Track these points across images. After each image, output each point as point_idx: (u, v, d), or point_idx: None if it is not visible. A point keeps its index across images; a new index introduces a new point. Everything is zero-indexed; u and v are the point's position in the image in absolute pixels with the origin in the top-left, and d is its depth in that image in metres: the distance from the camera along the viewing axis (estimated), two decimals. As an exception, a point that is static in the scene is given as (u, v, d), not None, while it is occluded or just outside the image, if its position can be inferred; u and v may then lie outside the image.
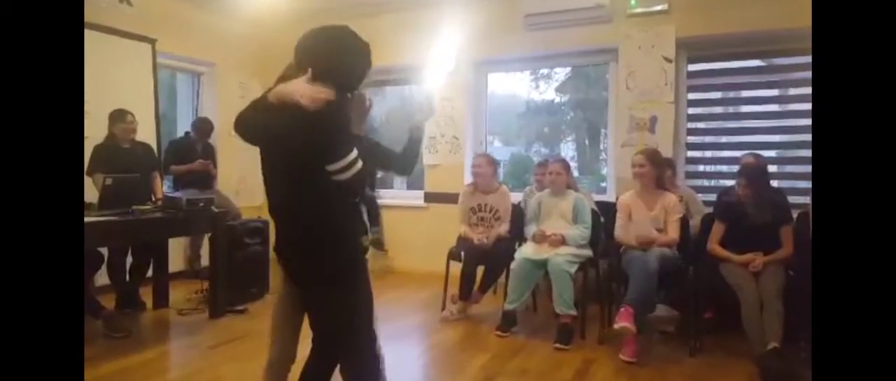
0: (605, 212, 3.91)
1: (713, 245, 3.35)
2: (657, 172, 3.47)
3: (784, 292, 2.99)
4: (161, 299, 4.17)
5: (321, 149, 1.59)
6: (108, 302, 3.86)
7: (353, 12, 5.38)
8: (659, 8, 4.49)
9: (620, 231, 3.51)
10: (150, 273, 4.19)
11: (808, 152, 4.04)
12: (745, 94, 4.80)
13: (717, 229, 3.37)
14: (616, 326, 3.07)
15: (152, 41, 4.81)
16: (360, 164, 1.62)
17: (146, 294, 4.16)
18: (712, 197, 4.00)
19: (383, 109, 7.35)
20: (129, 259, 4.08)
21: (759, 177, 3.30)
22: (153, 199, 4.02)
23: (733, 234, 3.30)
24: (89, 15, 4.22)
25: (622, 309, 3.06)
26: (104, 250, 3.86)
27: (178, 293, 4.35)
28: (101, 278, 3.99)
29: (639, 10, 4.56)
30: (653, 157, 3.49)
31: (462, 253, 3.98)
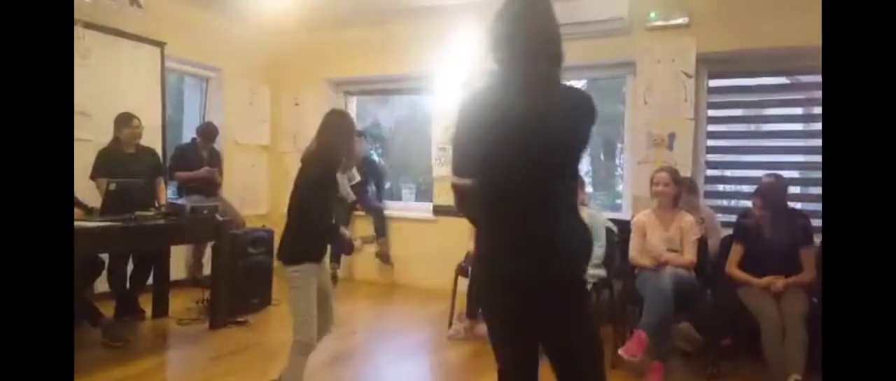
0: (621, 230, 3.77)
1: (732, 268, 3.25)
2: (677, 191, 3.37)
3: (808, 319, 2.85)
4: (161, 308, 4.09)
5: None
6: (108, 309, 3.79)
7: (364, 20, 5.32)
8: (679, 21, 4.37)
9: (635, 252, 3.39)
10: (150, 281, 4.11)
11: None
12: (768, 112, 4.65)
13: (736, 251, 3.27)
14: (620, 351, 2.93)
15: (161, 45, 4.76)
16: None
17: (146, 303, 4.08)
18: (733, 218, 3.86)
19: (392, 118, 7.28)
20: (130, 266, 4.00)
21: (776, 197, 3.19)
22: (156, 205, 3.94)
23: (752, 256, 3.19)
24: (98, 17, 4.19)
25: (635, 334, 2.93)
26: (105, 257, 3.79)
27: (179, 303, 4.27)
28: (101, 284, 3.93)
29: (658, 22, 4.45)
30: (675, 175, 3.39)
31: (471, 269, 3.86)
